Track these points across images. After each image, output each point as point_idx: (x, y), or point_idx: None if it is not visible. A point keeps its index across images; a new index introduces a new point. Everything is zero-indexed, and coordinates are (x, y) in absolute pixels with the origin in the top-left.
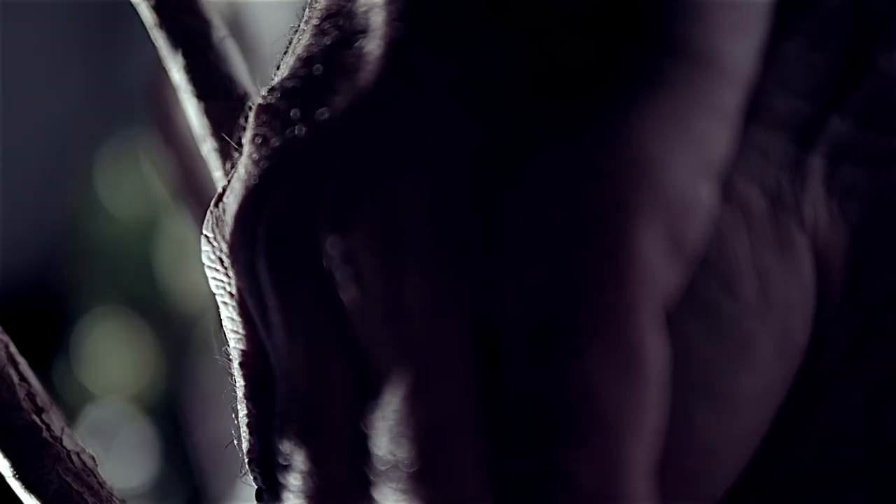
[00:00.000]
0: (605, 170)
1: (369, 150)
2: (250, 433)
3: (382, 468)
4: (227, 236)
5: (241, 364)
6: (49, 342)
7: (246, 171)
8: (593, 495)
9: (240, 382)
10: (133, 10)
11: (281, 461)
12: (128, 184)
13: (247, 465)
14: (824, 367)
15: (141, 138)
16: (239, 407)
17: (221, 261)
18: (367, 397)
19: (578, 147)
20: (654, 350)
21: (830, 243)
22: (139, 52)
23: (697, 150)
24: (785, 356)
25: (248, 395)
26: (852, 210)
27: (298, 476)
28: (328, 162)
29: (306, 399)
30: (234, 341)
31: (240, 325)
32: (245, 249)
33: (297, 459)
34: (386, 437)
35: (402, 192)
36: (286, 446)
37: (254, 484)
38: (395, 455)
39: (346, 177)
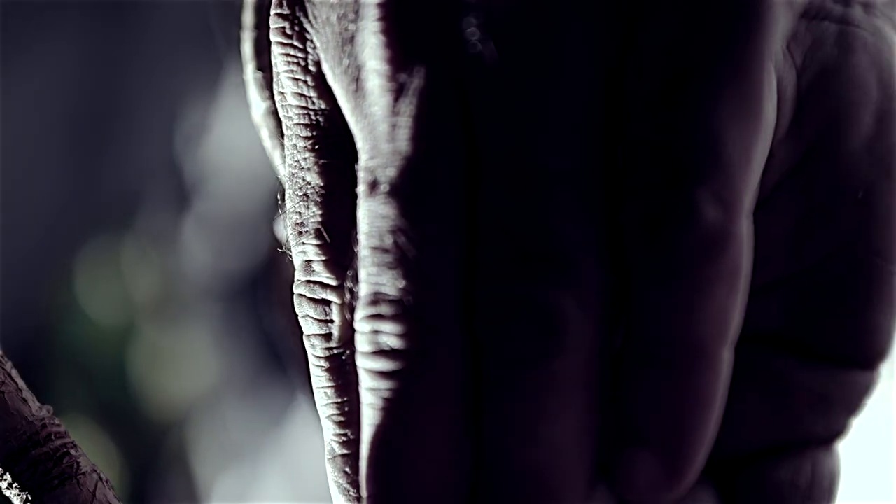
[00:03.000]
0: None
1: None
2: (306, 192)
3: (490, 233)
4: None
5: (308, 126)
6: None
7: None
8: (715, 228)
9: (302, 145)
10: (117, 114)
11: (379, 219)
12: (107, 288)
13: (291, 231)
14: (767, 184)
15: (122, 244)
16: (292, 172)
17: (302, 35)
18: (476, 159)
19: None
20: (770, 99)
21: (783, 77)
22: (122, 156)
23: None
24: (765, 148)
25: (314, 152)
26: (797, 54)
27: (393, 241)
28: None
29: (412, 163)
30: (299, 111)
31: (314, 94)
32: (344, 20)
33: (393, 219)
34: (499, 188)
35: None
36: (379, 204)
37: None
38: (509, 207)
39: None
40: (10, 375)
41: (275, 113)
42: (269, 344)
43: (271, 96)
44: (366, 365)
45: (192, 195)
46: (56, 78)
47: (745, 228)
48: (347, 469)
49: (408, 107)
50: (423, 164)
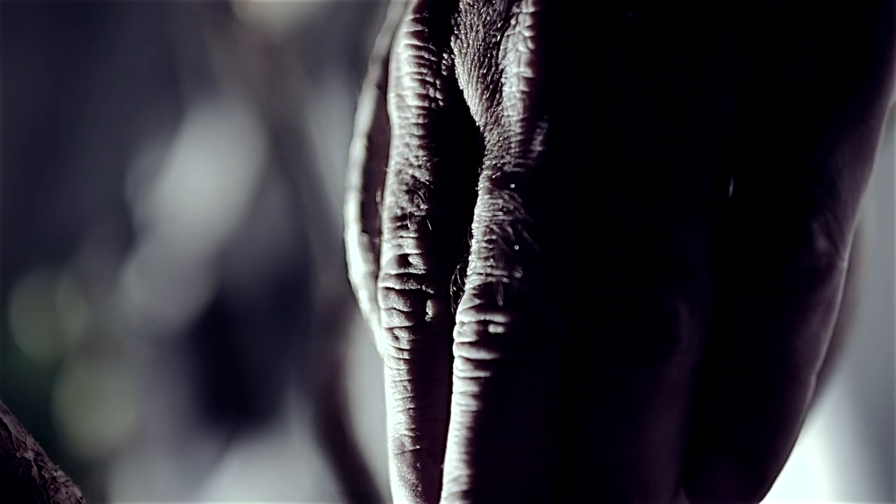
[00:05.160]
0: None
1: None
2: (413, 187)
3: (619, 255)
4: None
5: (425, 126)
6: None
7: None
8: (823, 259)
9: (416, 143)
10: (67, 146)
11: (502, 212)
12: (40, 322)
13: (388, 225)
14: None
15: (61, 279)
16: (399, 169)
17: (439, 40)
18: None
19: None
20: (877, 154)
21: None
22: (69, 190)
23: None
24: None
25: (429, 150)
26: None
27: (515, 234)
28: None
29: (544, 163)
30: (420, 111)
31: (441, 96)
32: (491, 27)
33: (517, 213)
34: (631, 196)
35: None
36: (504, 198)
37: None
38: (637, 214)
39: None
40: None
41: (376, 276)
42: (200, 396)
43: (375, 259)
44: (469, 354)
45: (139, 238)
46: (4, 100)
47: (845, 265)
48: (418, 465)
49: (548, 113)
50: (553, 166)
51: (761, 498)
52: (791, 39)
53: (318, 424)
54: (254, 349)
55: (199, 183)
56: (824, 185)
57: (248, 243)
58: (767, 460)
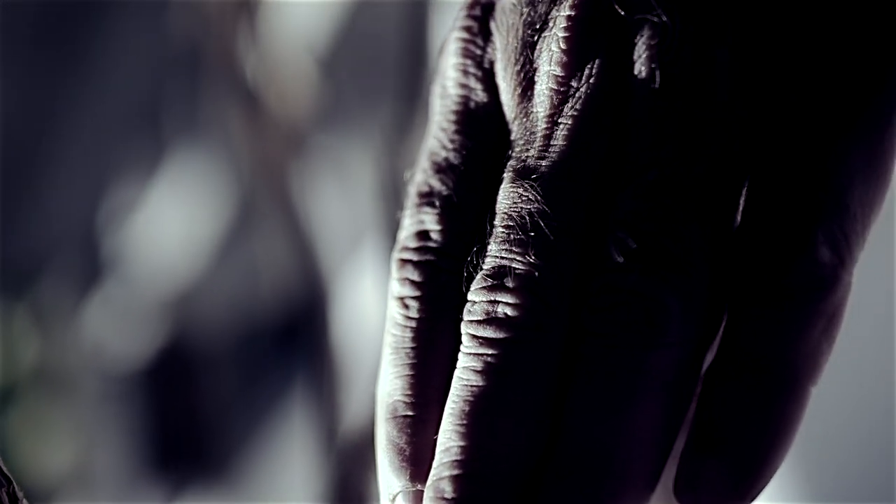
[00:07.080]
0: None
1: None
2: (444, 168)
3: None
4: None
5: (462, 113)
6: None
7: None
8: (826, 269)
9: (453, 129)
10: (26, 176)
11: (521, 201)
12: None
13: (415, 200)
14: None
15: (15, 308)
16: (433, 151)
17: (485, 35)
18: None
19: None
20: (892, 173)
21: None
22: (36, 217)
23: None
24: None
25: (462, 135)
26: None
27: (532, 223)
28: None
29: (564, 158)
30: (459, 99)
31: (479, 87)
32: (530, 27)
33: (536, 204)
34: (639, 191)
35: None
36: (524, 188)
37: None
38: (641, 208)
39: None
40: None
41: None
42: (151, 441)
43: None
44: (476, 331)
45: (103, 273)
46: None
47: (850, 280)
48: (409, 430)
49: (571, 110)
50: (572, 161)
51: (748, 503)
52: (807, 57)
53: None
54: (210, 399)
55: (170, 225)
56: (833, 196)
57: (214, 291)
58: (758, 466)
